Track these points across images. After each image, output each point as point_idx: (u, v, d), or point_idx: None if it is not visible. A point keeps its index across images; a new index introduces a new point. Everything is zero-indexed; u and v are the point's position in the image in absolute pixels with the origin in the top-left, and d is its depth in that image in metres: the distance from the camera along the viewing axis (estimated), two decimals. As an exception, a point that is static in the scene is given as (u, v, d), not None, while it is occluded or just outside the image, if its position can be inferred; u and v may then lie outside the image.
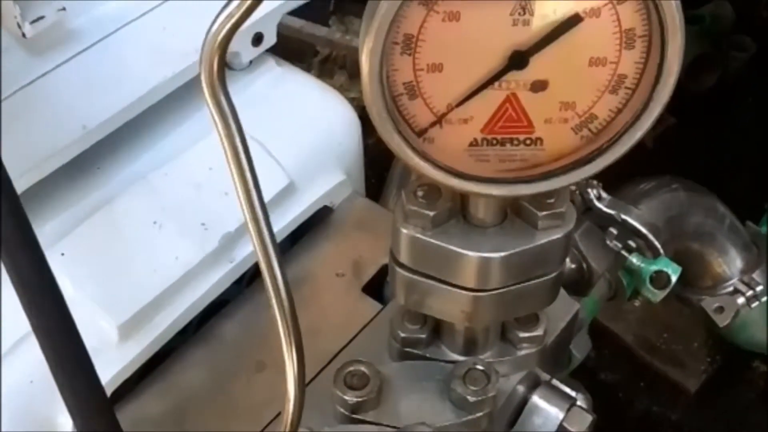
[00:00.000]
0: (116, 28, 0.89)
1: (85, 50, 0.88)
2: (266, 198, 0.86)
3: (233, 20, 0.51)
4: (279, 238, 0.93)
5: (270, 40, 0.98)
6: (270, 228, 0.55)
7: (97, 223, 0.85)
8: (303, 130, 0.98)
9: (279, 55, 1.07)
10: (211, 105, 0.52)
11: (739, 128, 1.91)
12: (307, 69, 1.94)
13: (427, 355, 0.78)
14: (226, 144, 0.53)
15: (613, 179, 1.18)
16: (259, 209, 0.54)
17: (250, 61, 1.00)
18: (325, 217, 1.01)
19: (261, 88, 0.99)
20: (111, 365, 0.83)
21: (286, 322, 0.56)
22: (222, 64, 0.52)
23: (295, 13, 1.86)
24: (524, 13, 0.55)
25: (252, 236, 0.54)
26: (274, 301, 0.56)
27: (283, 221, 0.94)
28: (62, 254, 0.83)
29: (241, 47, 0.96)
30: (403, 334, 0.78)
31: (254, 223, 0.53)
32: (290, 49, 1.94)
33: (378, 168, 1.47)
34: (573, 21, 0.55)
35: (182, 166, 0.90)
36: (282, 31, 1.03)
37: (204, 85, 0.53)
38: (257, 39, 0.96)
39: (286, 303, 0.56)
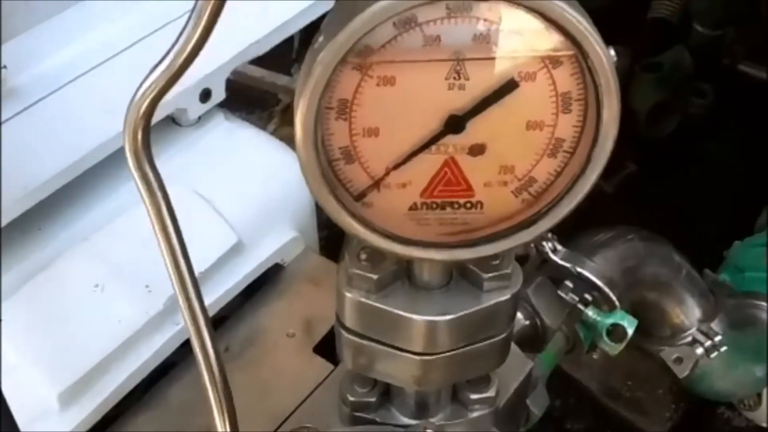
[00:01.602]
0: (59, 86, 0.88)
1: (27, 108, 0.86)
2: (214, 257, 0.86)
3: (155, 91, 0.49)
4: (229, 297, 0.92)
5: (219, 95, 0.98)
6: (201, 301, 0.53)
7: (38, 286, 0.83)
8: (253, 187, 0.97)
9: (240, 104, 1.06)
10: (135, 175, 0.51)
11: (699, 174, 1.93)
12: (269, 118, 1.94)
13: (378, 419, 0.77)
14: (152, 215, 0.52)
15: (572, 228, 1.18)
16: (189, 279, 0.52)
17: (199, 117, 0.99)
18: (276, 275, 0.99)
19: (210, 143, 0.98)
20: (52, 434, 0.81)
21: (218, 395, 0.54)
22: (146, 134, 0.51)
23: (257, 62, 1.86)
24: (459, 78, 0.55)
25: (182, 309, 0.53)
26: (205, 373, 0.54)
27: (233, 280, 0.93)
28: (1, 319, 0.81)
29: (189, 103, 0.96)
30: (352, 398, 0.76)
31: (184, 296, 0.52)
32: (252, 98, 1.94)
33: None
34: (509, 87, 0.55)
35: (125, 227, 0.88)
36: (243, 81, 1.03)
37: (128, 155, 0.51)
38: (205, 95, 0.96)
39: (217, 376, 0.54)
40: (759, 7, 1.85)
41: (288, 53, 1.99)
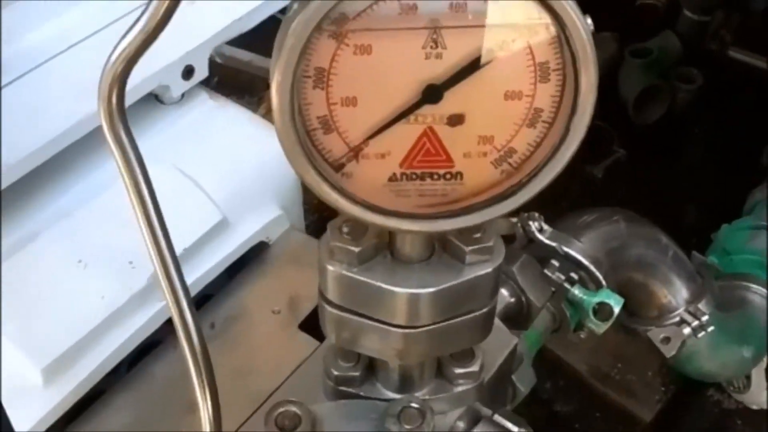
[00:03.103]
0: (38, 63, 0.88)
1: (7, 85, 0.86)
2: (198, 234, 0.86)
3: (130, 52, 0.49)
4: (213, 275, 0.91)
5: (202, 73, 0.97)
6: (181, 275, 0.53)
7: (20, 262, 0.82)
8: (237, 165, 0.97)
9: (229, 88, 1.06)
10: (110, 139, 0.50)
11: (687, 159, 1.94)
12: (258, 102, 1.93)
13: (362, 393, 0.77)
14: (127, 182, 0.51)
15: (562, 212, 1.18)
16: (168, 253, 0.52)
17: (182, 95, 0.98)
18: (261, 253, 0.99)
19: (193, 121, 0.98)
20: (35, 410, 0.81)
21: (199, 370, 0.54)
22: (121, 98, 0.50)
23: (245, 46, 1.85)
24: (436, 47, 0.54)
25: (161, 281, 0.52)
26: (186, 349, 0.54)
27: (217, 257, 0.92)
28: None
29: (171, 80, 0.95)
30: (336, 373, 0.76)
31: (162, 269, 0.52)
32: (240, 82, 1.93)
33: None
34: (488, 58, 0.55)
35: (108, 203, 0.88)
36: (231, 65, 1.02)
37: (102, 119, 0.51)
38: (188, 72, 0.95)
39: (198, 351, 0.54)
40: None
41: (275, 37, 1.99)
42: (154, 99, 0.98)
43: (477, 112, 0.57)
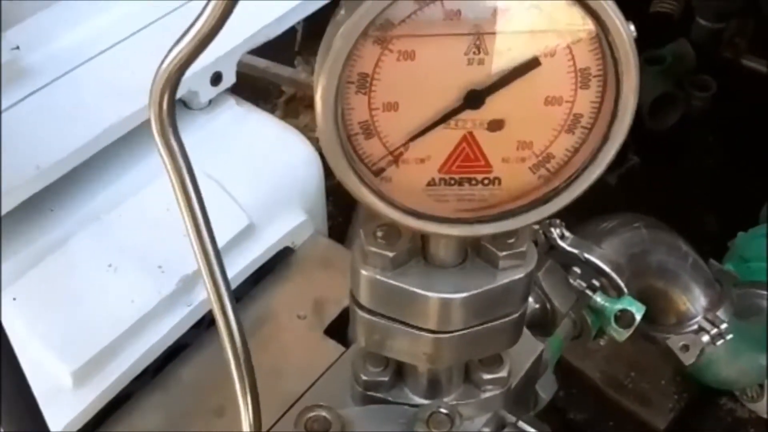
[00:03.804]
0: (72, 66, 0.88)
1: (40, 89, 0.86)
2: (225, 239, 0.86)
3: (184, 56, 0.49)
4: (239, 280, 0.92)
5: (229, 79, 0.98)
6: (224, 272, 0.53)
7: (51, 266, 0.83)
8: (263, 170, 0.97)
9: (244, 95, 1.06)
10: (159, 142, 0.51)
11: (702, 166, 1.94)
12: (272, 109, 1.94)
13: (390, 398, 0.77)
14: (175, 183, 0.52)
15: (576, 220, 1.19)
16: (212, 250, 0.52)
17: (210, 101, 0.99)
18: (286, 258, 0.99)
19: (220, 127, 0.98)
20: (65, 412, 0.81)
21: (240, 369, 0.54)
22: (172, 101, 0.51)
23: (260, 53, 1.86)
24: (479, 52, 0.55)
25: (205, 281, 0.53)
26: (228, 347, 0.54)
27: (243, 262, 0.93)
28: (14, 299, 0.81)
29: (200, 86, 0.96)
30: (365, 377, 0.76)
31: (207, 268, 0.52)
32: (255, 89, 1.94)
33: (343, 208, 1.46)
34: (531, 64, 0.55)
35: (138, 207, 0.88)
36: (247, 71, 1.03)
37: (153, 121, 0.51)
38: (216, 78, 0.96)
39: (240, 350, 0.54)
40: (759, 1, 1.86)
41: (291, 45, 2.00)
42: (182, 105, 0.99)
43: (517, 118, 0.58)
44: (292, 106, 1.96)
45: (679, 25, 2.02)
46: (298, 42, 1.99)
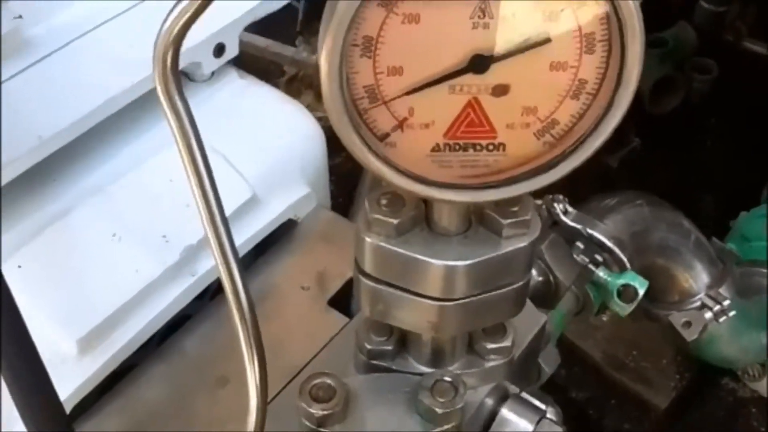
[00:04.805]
0: (74, 37, 0.88)
1: (42, 59, 0.86)
2: (229, 210, 0.85)
3: (187, 15, 0.49)
4: (243, 252, 0.92)
5: (232, 51, 0.97)
6: (230, 237, 0.53)
7: (55, 235, 0.83)
8: (266, 143, 0.97)
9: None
10: (164, 102, 0.51)
11: (702, 150, 1.94)
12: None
13: (394, 367, 0.77)
14: (180, 145, 0.52)
15: (578, 201, 1.19)
16: (218, 214, 0.52)
17: (213, 73, 0.99)
18: (289, 231, 0.99)
19: (223, 100, 0.98)
20: (70, 381, 0.81)
21: (248, 336, 0.54)
22: (176, 61, 0.51)
23: (262, 32, 1.86)
24: (484, 16, 0.55)
25: (212, 244, 0.53)
26: (236, 315, 0.54)
27: (247, 234, 0.93)
28: (19, 266, 0.81)
29: (203, 58, 0.96)
30: (369, 346, 0.76)
31: (213, 231, 0.52)
32: (256, 68, 1.93)
33: (346, 185, 1.46)
34: (541, 42, 0.55)
35: (142, 178, 0.88)
36: (248, 51, 1.03)
37: (157, 82, 0.51)
38: (219, 50, 0.96)
39: (248, 317, 0.54)
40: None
41: (292, 25, 1.99)
42: (184, 77, 0.99)
43: (522, 83, 0.58)
44: (294, 86, 1.96)
45: (680, 8, 2.01)
46: (300, 21, 1.99)
